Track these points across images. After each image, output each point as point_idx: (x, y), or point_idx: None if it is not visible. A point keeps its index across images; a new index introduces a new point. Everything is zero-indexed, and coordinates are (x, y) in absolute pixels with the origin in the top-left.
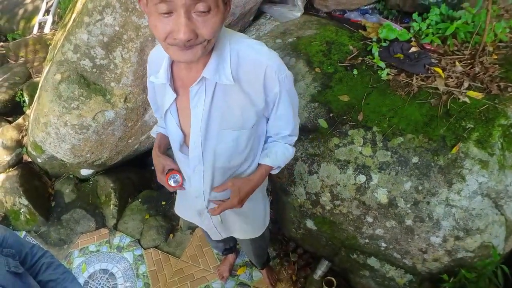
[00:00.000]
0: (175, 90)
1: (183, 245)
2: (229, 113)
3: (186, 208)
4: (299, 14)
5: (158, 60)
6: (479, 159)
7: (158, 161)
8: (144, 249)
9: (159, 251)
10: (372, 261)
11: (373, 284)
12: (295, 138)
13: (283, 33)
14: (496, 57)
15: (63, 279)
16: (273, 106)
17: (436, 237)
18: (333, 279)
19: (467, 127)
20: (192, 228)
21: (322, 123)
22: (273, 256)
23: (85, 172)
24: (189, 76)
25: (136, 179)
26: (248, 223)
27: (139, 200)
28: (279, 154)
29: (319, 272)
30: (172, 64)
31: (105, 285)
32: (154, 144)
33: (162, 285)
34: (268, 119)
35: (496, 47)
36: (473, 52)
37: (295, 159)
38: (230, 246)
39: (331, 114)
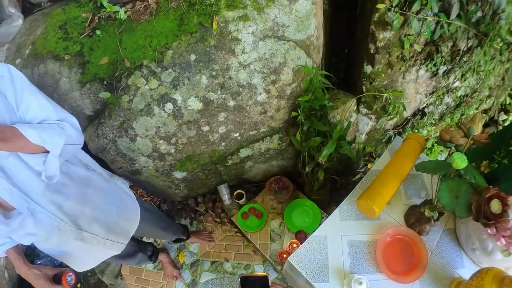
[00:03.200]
0: None
1: None
2: None
3: (79, 258)
4: (20, 21)
5: None
6: (237, 17)
7: (33, 273)
8: None
9: None
10: (243, 152)
11: (262, 165)
12: (73, 121)
13: (17, 51)
14: None
15: None
16: (18, 100)
17: (260, 94)
18: (240, 191)
19: (212, 2)
20: (117, 273)
21: (105, 95)
22: (189, 222)
23: None
24: None
25: None
26: (118, 208)
27: None
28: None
29: (225, 197)
30: None
31: None
32: (14, 263)
33: None
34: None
35: None
36: None
37: (114, 142)
38: (149, 250)
39: (105, 82)
